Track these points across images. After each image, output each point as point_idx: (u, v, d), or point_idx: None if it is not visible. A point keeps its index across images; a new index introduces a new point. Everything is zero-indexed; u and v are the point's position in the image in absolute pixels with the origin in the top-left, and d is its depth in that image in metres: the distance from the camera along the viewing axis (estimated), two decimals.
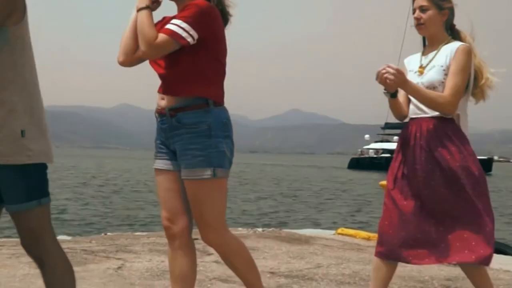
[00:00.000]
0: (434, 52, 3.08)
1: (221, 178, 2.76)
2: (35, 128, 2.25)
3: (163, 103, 2.79)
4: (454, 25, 3.15)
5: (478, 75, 3.08)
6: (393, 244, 3.04)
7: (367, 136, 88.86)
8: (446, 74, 2.99)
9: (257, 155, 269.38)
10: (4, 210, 2.36)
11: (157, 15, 2.83)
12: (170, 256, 2.92)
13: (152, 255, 5.19)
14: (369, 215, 18.33)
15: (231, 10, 2.88)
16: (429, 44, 3.14)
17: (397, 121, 3.31)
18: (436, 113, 3.02)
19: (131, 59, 2.83)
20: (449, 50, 3.02)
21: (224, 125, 2.76)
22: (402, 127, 3.21)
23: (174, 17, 2.74)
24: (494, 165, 65.13)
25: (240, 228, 7.60)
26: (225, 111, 2.80)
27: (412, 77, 3.07)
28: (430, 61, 3.07)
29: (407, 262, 3.07)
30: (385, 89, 3.05)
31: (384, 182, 3.69)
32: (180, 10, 2.76)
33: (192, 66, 2.71)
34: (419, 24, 3.08)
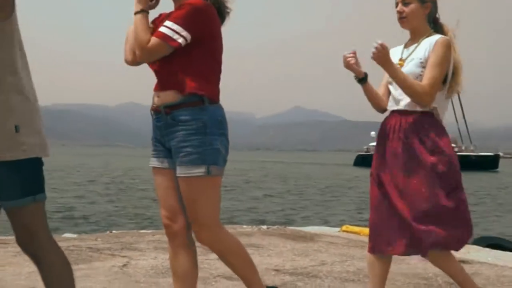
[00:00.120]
0: (414, 45, 3.09)
1: (215, 176, 2.75)
2: (30, 123, 2.24)
3: (159, 100, 2.79)
4: (437, 19, 3.15)
5: (456, 71, 3.07)
6: (375, 237, 3.10)
7: (373, 133, 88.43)
8: (424, 67, 3.00)
9: (260, 152, 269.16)
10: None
11: (156, 12, 2.86)
12: (171, 254, 2.93)
13: (157, 252, 5.21)
14: None
15: (229, 5, 2.88)
16: (412, 37, 3.15)
17: None
18: (415, 107, 3.02)
19: (136, 58, 2.85)
20: (428, 43, 3.03)
21: (219, 123, 2.76)
22: None
23: (168, 16, 2.77)
24: (500, 161, 64.87)
25: (245, 226, 7.62)
26: (220, 109, 2.80)
27: None
28: (410, 54, 3.08)
29: (388, 253, 3.09)
30: (355, 76, 3.09)
31: None
32: (176, 8, 2.77)
33: (187, 64, 2.72)
34: (401, 18, 3.09)
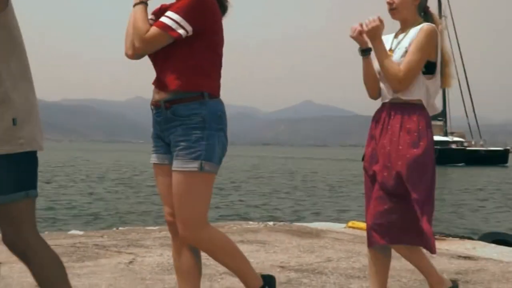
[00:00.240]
0: (403, 35, 3.09)
1: (208, 172, 2.70)
2: (27, 116, 2.23)
3: (159, 95, 2.77)
4: (427, 8, 3.15)
5: (444, 62, 3.06)
6: (368, 230, 3.11)
7: None
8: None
9: (270, 148, 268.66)
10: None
11: (156, 4, 2.85)
12: (174, 251, 2.92)
13: (163, 249, 5.22)
14: None
15: None
16: (402, 27, 3.14)
17: None
18: (406, 97, 3.01)
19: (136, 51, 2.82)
20: (414, 32, 3.02)
21: (218, 118, 2.73)
22: None
23: (169, 7, 2.74)
24: (510, 156, 64.37)
25: (251, 222, 7.61)
26: (220, 103, 2.78)
27: None
28: (398, 43, 3.08)
29: (376, 244, 3.09)
30: (359, 48, 3.09)
31: None
32: (177, 0, 2.74)
33: (188, 58, 2.69)
34: (392, 9, 3.08)
